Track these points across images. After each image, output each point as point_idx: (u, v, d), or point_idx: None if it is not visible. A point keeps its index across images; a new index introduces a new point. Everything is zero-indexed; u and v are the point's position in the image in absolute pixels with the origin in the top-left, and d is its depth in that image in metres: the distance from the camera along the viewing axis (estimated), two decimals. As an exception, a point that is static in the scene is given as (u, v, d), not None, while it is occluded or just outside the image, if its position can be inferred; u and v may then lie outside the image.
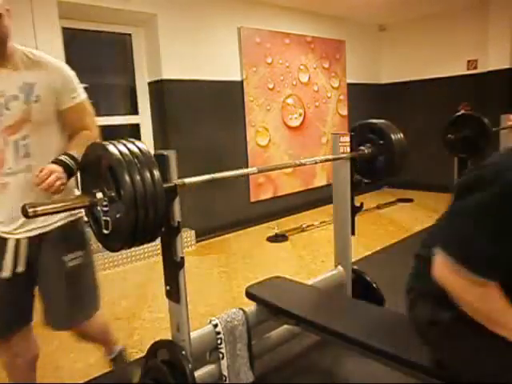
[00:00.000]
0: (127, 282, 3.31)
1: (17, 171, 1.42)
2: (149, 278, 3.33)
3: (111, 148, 1.20)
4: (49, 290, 1.55)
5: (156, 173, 1.22)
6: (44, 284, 1.55)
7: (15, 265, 1.45)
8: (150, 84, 4.19)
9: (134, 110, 4.25)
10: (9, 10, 1.46)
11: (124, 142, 1.25)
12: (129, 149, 1.22)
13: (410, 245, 3.91)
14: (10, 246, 1.44)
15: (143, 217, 1.18)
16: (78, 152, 1.43)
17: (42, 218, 1.44)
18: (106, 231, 1.23)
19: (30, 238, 1.46)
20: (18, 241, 1.45)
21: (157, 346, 1.59)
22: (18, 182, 1.42)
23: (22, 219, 1.40)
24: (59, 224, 1.51)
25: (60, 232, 1.51)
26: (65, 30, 3.58)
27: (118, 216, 1.20)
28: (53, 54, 3.36)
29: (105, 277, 3.45)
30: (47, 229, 1.49)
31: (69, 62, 3.58)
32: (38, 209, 1.13)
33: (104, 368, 2.12)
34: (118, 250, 1.30)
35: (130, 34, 4.13)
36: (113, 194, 1.20)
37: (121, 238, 1.22)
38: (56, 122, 1.51)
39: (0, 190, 1.43)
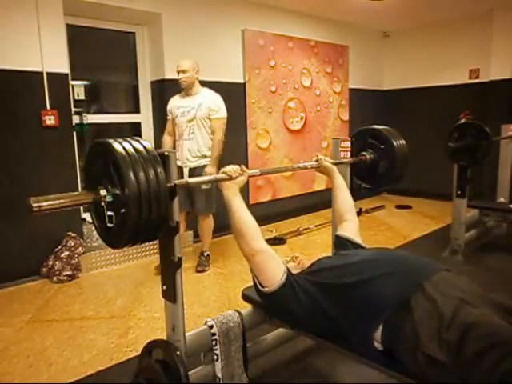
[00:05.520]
0: (123, 281, 3.30)
1: (188, 139, 3.39)
2: (145, 277, 3.32)
3: (116, 145, 1.21)
4: (196, 196, 3.39)
5: (160, 171, 1.22)
6: (194, 192, 3.38)
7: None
8: (152, 83, 4.20)
9: (136, 109, 4.25)
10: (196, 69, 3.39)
11: (129, 139, 1.25)
12: (134, 147, 1.22)
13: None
14: (185, 171, 3.38)
15: (146, 215, 1.18)
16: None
17: (194, 161, 3.38)
18: (110, 224, 1.23)
19: (190, 169, 3.39)
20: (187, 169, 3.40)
21: (151, 346, 1.58)
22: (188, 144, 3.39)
23: (187, 161, 3.39)
24: (201, 164, 3.36)
25: (201, 168, 3.34)
26: (69, 27, 3.59)
27: (121, 213, 1.20)
28: (56, 50, 3.39)
29: (101, 274, 3.45)
30: (196, 165, 3.38)
31: (72, 59, 3.62)
32: (43, 204, 1.14)
33: (97, 366, 2.12)
34: (120, 247, 1.31)
35: (133, 33, 4.13)
36: (117, 192, 1.20)
37: (124, 236, 1.22)
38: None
39: (179, 148, 3.42)
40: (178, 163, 3.39)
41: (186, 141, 3.39)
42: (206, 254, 3.56)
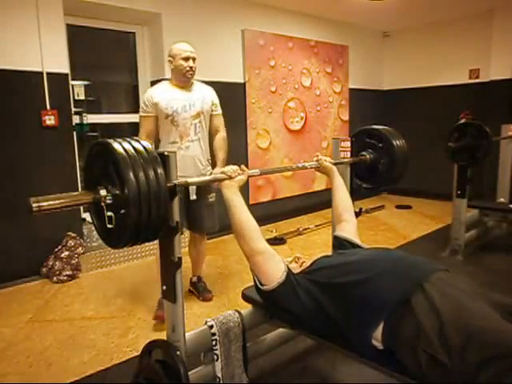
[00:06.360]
0: (124, 281, 3.30)
1: (194, 139, 2.63)
2: (145, 278, 3.32)
3: (116, 145, 1.21)
4: (203, 211, 2.71)
5: (160, 171, 1.23)
6: (199, 207, 2.67)
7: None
8: (152, 83, 4.19)
9: (136, 109, 4.25)
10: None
11: (129, 140, 1.26)
12: (134, 147, 1.23)
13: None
14: (192, 187, 2.51)
15: (146, 215, 1.18)
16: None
17: (205, 172, 2.68)
18: (109, 225, 1.24)
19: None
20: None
21: (151, 346, 1.58)
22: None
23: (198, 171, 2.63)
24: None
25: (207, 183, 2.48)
26: (69, 27, 3.58)
27: (121, 213, 1.20)
28: (56, 50, 3.39)
29: (101, 274, 3.45)
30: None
31: (72, 59, 3.62)
32: (43, 204, 1.14)
33: (97, 366, 2.11)
34: (120, 248, 1.32)
35: (133, 33, 4.13)
36: (117, 192, 1.21)
37: (124, 236, 1.22)
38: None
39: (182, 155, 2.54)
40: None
41: (192, 142, 2.61)
42: (203, 280, 2.99)
